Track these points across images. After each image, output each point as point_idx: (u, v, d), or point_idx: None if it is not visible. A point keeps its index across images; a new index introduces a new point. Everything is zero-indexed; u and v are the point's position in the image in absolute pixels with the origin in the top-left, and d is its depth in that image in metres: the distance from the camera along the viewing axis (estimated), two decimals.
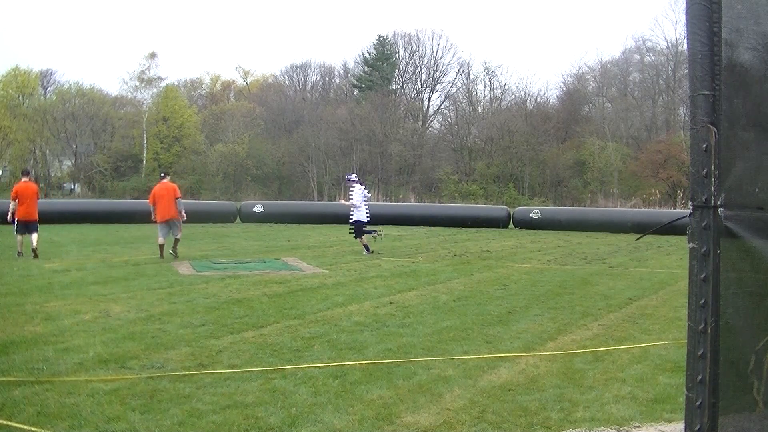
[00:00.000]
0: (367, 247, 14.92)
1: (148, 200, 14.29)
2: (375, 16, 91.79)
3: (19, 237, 13.68)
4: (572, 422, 4.43)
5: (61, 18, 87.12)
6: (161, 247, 13.57)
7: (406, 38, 56.93)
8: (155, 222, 13.78)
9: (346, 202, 16.08)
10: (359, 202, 15.07)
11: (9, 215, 13.81)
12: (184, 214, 13.93)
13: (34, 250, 13.35)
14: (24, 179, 14.42)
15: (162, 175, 14.70)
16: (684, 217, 2.14)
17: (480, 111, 53.52)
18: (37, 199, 14.11)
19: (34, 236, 13.55)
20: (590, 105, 53.17)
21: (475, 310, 8.32)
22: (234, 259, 13.55)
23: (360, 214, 15.10)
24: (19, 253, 13.50)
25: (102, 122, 53.54)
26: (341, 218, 26.51)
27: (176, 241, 13.77)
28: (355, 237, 15.29)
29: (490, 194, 43.44)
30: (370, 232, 15.63)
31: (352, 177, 16.42)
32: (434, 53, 55.97)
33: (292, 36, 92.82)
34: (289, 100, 58.22)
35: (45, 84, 55.79)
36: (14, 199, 13.80)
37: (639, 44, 51.49)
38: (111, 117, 53.90)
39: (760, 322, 1.92)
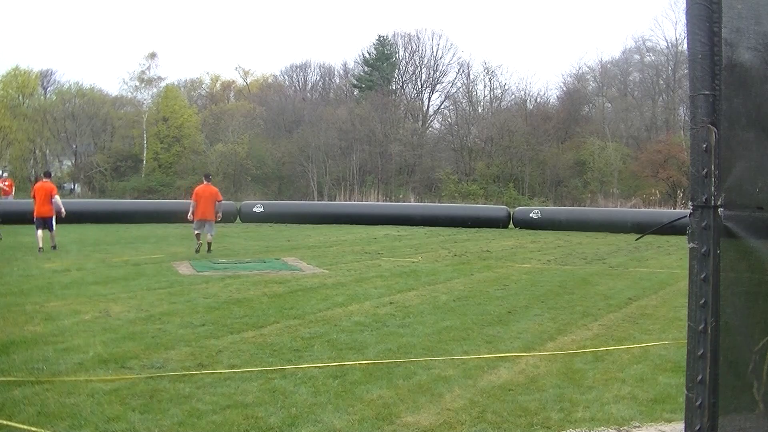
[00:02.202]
0: None
1: (191, 198, 15.36)
2: (375, 16, 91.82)
3: (39, 232, 14.49)
4: (572, 422, 4.43)
5: (61, 18, 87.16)
6: (198, 235, 14.79)
7: (406, 38, 56.91)
8: (191, 220, 14.96)
9: None
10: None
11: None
12: (220, 214, 15.40)
13: (53, 246, 14.52)
14: (44, 179, 15.63)
15: (208, 177, 15.92)
16: (684, 217, 2.14)
17: (480, 111, 53.48)
18: (52, 197, 14.95)
19: (39, 233, 14.43)
20: (590, 105, 53.13)
21: (475, 310, 8.32)
22: (234, 259, 13.56)
23: None
24: (40, 249, 14.19)
25: (102, 122, 53.51)
26: (342, 218, 26.67)
27: (209, 242, 14.86)
28: None
29: (490, 194, 43.41)
30: None
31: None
32: (434, 53, 55.96)
33: (292, 36, 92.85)
34: (289, 100, 58.16)
35: (45, 84, 55.74)
36: (33, 197, 14.99)
37: (639, 44, 51.52)
38: (111, 117, 53.86)
39: (758, 322, 1.92)
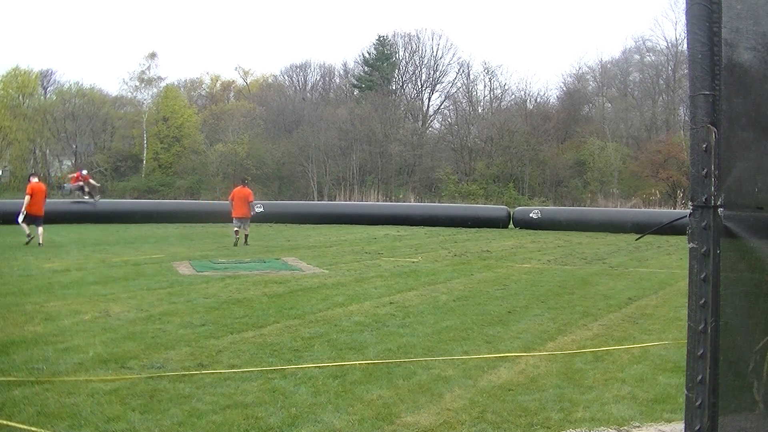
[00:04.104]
0: None
1: (229, 198, 17.86)
2: (375, 16, 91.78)
3: (40, 229, 15.69)
4: (572, 422, 4.43)
5: (61, 18, 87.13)
6: (237, 231, 16.98)
7: (406, 38, 56.97)
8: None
9: None
10: None
11: (23, 208, 16.15)
12: (254, 212, 17.85)
13: (39, 243, 15.33)
14: (34, 180, 16.74)
15: (244, 181, 18.46)
16: (684, 217, 2.14)
17: (480, 111, 53.53)
18: (45, 197, 16.55)
19: (40, 230, 15.64)
20: (590, 105, 53.18)
21: (475, 310, 8.32)
22: (234, 259, 13.56)
23: None
24: (29, 235, 15.52)
25: (102, 122, 53.51)
26: (342, 218, 26.67)
27: (246, 235, 17.07)
28: None
29: (490, 194, 43.42)
30: None
31: None
32: (434, 53, 56.01)
33: (292, 36, 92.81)
34: (289, 100, 58.16)
35: (45, 84, 55.72)
36: (29, 194, 16.00)
37: (639, 44, 51.57)
38: (111, 117, 53.87)
39: (758, 322, 1.92)
